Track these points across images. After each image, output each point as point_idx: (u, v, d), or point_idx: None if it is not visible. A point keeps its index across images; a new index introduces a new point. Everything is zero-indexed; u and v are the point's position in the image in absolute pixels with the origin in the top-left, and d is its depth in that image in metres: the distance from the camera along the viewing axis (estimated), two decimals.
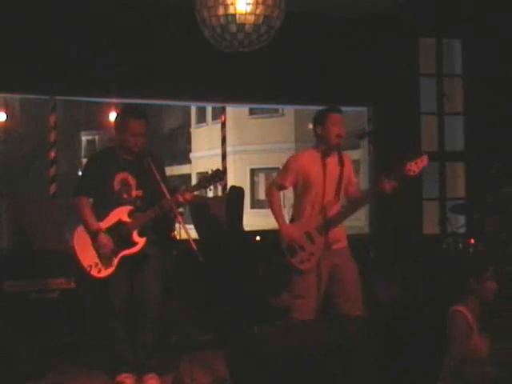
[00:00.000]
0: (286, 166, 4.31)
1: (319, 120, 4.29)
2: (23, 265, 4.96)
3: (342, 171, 4.25)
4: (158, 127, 28.42)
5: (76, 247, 4.10)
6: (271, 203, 4.32)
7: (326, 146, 4.25)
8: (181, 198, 4.02)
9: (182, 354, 4.24)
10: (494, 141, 6.64)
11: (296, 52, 6.30)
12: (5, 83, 5.64)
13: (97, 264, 4.05)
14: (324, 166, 4.21)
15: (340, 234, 4.31)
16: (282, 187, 4.31)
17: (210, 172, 4.12)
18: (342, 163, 4.27)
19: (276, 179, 4.35)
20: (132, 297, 4.16)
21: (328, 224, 4.17)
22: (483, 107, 6.79)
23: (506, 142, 6.54)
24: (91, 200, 4.21)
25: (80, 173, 4.75)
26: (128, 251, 4.06)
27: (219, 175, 4.11)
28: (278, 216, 4.26)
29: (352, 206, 4.35)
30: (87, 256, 4.07)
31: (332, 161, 4.26)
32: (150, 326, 4.15)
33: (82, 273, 4.11)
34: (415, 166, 4.02)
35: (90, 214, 4.10)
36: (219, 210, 5.92)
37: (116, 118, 4.28)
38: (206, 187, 4.14)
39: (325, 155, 4.23)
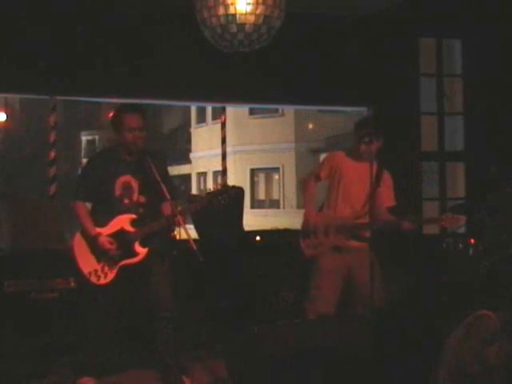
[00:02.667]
0: (324, 161, 4.64)
1: (356, 132, 4.52)
2: (23, 265, 4.95)
3: (375, 188, 4.25)
4: (158, 127, 28.44)
5: (76, 254, 4.04)
6: (304, 190, 4.62)
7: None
8: (181, 220, 3.93)
9: (182, 355, 4.24)
10: (494, 141, 6.63)
11: (296, 52, 6.30)
12: (5, 83, 5.64)
13: (96, 271, 3.99)
14: (357, 170, 4.42)
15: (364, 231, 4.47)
16: (317, 177, 4.57)
17: (215, 187, 4.04)
18: (378, 180, 4.28)
19: (314, 170, 4.66)
20: (147, 300, 4.12)
21: (348, 230, 4.43)
22: (483, 107, 6.79)
23: (505, 142, 6.53)
24: (90, 204, 4.15)
25: (81, 171, 4.64)
26: (128, 261, 4.00)
27: (228, 191, 4.02)
28: (306, 201, 4.59)
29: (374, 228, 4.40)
30: (87, 262, 4.01)
31: (367, 169, 4.23)
32: (169, 326, 4.07)
33: (81, 277, 4.06)
34: (449, 223, 4.52)
35: (87, 219, 4.04)
36: (219, 209, 5.92)
37: (112, 117, 4.14)
38: (212, 205, 4.03)
39: (360, 161, 4.43)
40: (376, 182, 4.28)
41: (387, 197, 4.55)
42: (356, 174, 4.44)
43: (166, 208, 3.98)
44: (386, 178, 4.50)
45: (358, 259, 4.38)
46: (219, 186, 4.04)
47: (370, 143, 4.40)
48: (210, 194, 4.04)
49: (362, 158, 4.44)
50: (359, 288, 4.39)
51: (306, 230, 4.47)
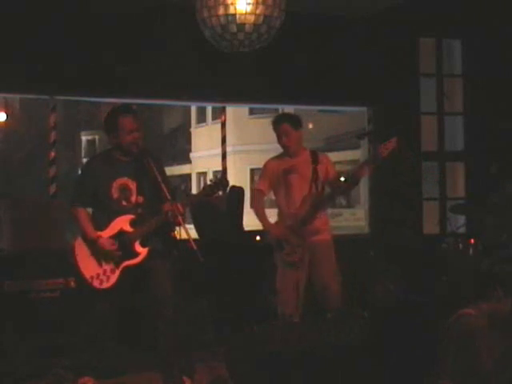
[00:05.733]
0: (261, 172, 4.85)
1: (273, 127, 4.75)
2: (23, 265, 4.95)
3: (315, 169, 4.61)
4: (158, 127, 28.41)
5: (77, 259, 4.02)
6: (254, 207, 4.81)
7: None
8: (181, 208, 3.93)
9: (182, 355, 4.24)
10: (494, 141, 6.64)
11: (296, 52, 6.30)
12: (5, 83, 5.64)
13: (98, 275, 3.97)
14: (293, 165, 4.65)
15: (321, 225, 4.63)
16: (260, 192, 4.77)
17: (213, 180, 4.06)
18: (315, 161, 4.64)
19: (255, 186, 4.91)
20: (147, 301, 4.11)
21: (309, 214, 4.54)
22: (483, 107, 6.79)
23: (505, 142, 6.53)
24: (90, 209, 4.14)
25: (78, 177, 4.66)
26: (130, 262, 3.98)
27: (223, 183, 4.05)
28: (261, 218, 4.71)
29: (328, 194, 4.69)
30: (89, 267, 3.99)
31: (302, 160, 4.67)
32: (170, 327, 4.04)
33: (83, 282, 4.04)
34: (384, 148, 4.39)
35: (87, 223, 4.03)
36: (219, 209, 5.92)
37: (105, 121, 4.11)
38: (209, 196, 4.05)
39: (292, 156, 4.69)
40: (314, 161, 4.61)
41: (330, 173, 4.70)
42: (291, 170, 4.65)
43: (167, 207, 3.97)
44: (322, 156, 4.74)
45: (319, 254, 4.59)
46: (216, 180, 4.06)
47: (287, 135, 4.62)
48: (206, 187, 4.05)
49: (288, 153, 4.70)
50: (318, 283, 4.58)
51: (277, 242, 4.60)
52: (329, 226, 4.77)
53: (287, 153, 4.70)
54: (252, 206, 4.85)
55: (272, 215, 4.77)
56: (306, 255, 4.55)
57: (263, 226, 4.70)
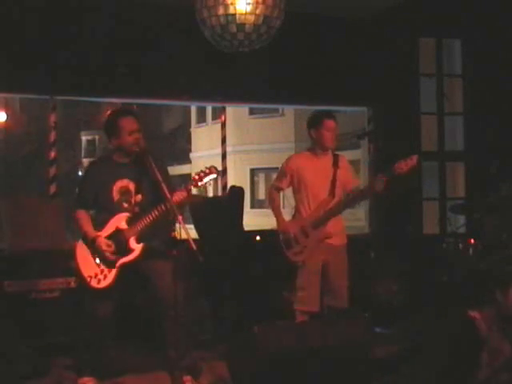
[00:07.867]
0: (281, 169, 4.74)
1: (313, 124, 4.62)
2: (23, 265, 4.95)
3: (335, 172, 4.57)
4: (158, 127, 28.43)
5: (78, 260, 4.06)
6: (271, 204, 4.78)
7: (319, 149, 4.61)
8: (177, 198, 3.95)
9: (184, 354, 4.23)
10: (494, 141, 6.63)
11: (296, 52, 6.30)
12: (5, 83, 5.64)
13: (96, 275, 4.00)
14: (316, 166, 4.59)
15: (337, 228, 4.61)
16: (279, 189, 4.75)
17: (203, 169, 4.07)
18: (336, 165, 4.60)
19: (274, 182, 4.82)
20: (150, 301, 4.13)
21: (322, 219, 4.52)
22: (483, 107, 6.78)
23: (505, 142, 6.53)
24: (92, 212, 4.17)
25: (79, 180, 4.72)
26: (125, 259, 4.00)
27: (213, 171, 4.07)
28: (276, 214, 4.69)
29: (345, 202, 4.58)
30: (87, 267, 4.02)
31: (325, 162, 4.62)
32: (176, 326, 4.00)
33: (82, 282, 4.07)
34: (404, 165, 4.28)
35: (87, 223, 4.06)
36: (219, 209, 5.93)
37: (106, 124, 4.15)
38: (199, 186, 4.08)
39: (317, 156, 4.62)
40: (334, 164, 4.57)
41: (347, 178, 4.66)
42: (314, 170, 4.59)
43: (164, 205, 3.97)
44: (342, 159, 4.67)
45: (333, 256, 4.58)
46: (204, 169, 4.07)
47: (332, 131, 4.54)
48: (195, 178, 4.07)
49: (316, 152, 4.62)
50: (329, 283, 4.58)
51: (287, 240, 4.58)
52: (344, 229, 4.74)
53: (320, 147, 4.60)
54: (268, 202, 4.85)
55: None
56: (318, 257, 4.54)
57: (277, 222, 4.66)
